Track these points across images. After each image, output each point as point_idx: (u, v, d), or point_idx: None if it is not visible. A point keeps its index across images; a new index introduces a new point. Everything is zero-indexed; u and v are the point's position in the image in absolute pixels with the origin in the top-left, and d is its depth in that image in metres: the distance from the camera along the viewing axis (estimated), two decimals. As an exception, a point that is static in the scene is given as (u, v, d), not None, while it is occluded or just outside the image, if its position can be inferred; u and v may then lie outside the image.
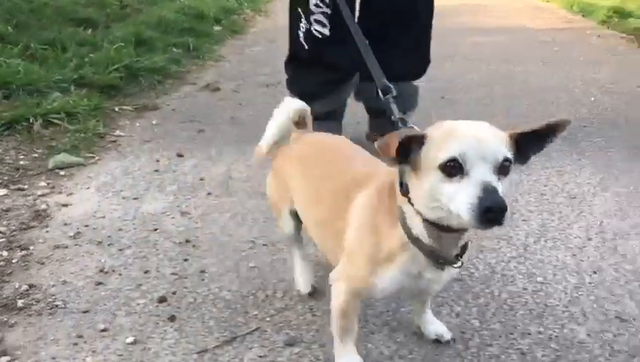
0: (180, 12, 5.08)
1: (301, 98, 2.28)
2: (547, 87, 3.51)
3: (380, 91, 1.44)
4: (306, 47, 2.22)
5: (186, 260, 1.62)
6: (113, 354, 1.25)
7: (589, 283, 1.56)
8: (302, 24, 2.20)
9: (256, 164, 1.68)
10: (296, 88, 2.35)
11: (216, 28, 5.11)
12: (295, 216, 1.39)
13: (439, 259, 1.05)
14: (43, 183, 2.06)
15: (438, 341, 1.31)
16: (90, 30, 4.02)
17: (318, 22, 2.17)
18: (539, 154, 1.04)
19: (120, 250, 1.66)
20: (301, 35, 2.22)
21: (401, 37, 2.26)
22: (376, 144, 0.97)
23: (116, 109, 2.88)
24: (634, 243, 1.75)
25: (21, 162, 2.22)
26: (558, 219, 1.91)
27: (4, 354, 1.23)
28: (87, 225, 1.79)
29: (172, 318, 1.37)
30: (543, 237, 1.79)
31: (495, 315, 1.42)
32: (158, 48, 3.95)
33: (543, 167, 2.31)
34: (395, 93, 1.42)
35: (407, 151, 0.98)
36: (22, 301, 1.41)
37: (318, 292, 1.45)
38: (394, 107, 1.36)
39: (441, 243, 1.04)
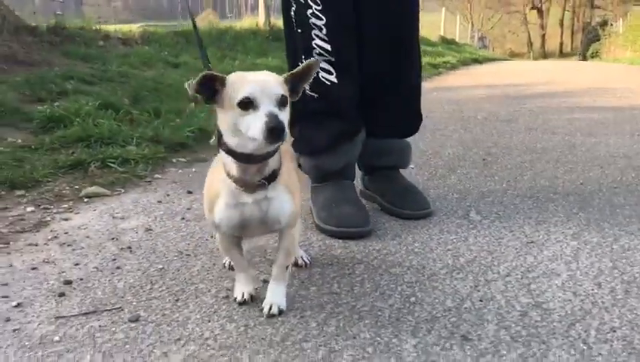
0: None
1: (312, 155, 2.24)
2: (610, 155, 3.29)
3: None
4: (316, 96, 2.14)
5: (114, 259, 1.87)
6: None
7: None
8: None
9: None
10: (307, 146, 2.21)
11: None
12: None
13: (247, 185, 1.38)
14: (65, 205, 2.48)
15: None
16: (195, 105, 4.64)
17: (323, 70, 2.12)
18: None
19: (74, 250, 1.97)
20: (307, 87, 2.02)
21: (389, 99, 2.27)
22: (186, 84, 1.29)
23: (173, 160, 3.31)
24: (542, 281, 1.64)
25: (64, 191, 2.67)
26: (491, 257, 1.84)
27: None
28: (67, 232, 2.13)
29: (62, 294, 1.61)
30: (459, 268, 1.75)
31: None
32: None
33: (527, 217, 2.23)
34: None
35: (214, 92, 1.31)
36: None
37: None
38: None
39: (248, 173, 1.37)
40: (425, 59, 10.92)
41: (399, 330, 1.40)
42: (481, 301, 1.55)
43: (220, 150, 1.38)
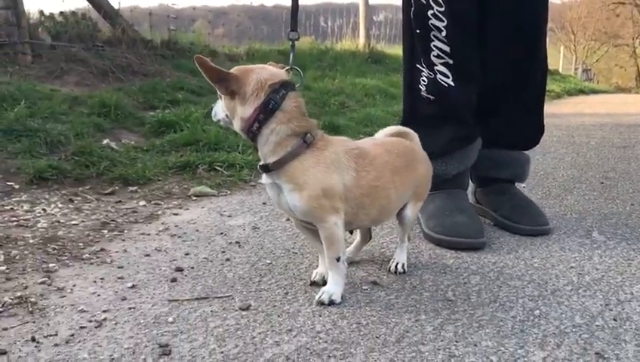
0: (387, 112, 5.57)
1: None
2: None
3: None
4: (432, 98, 2.07)
5: (223, 252, 1.87)
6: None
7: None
8: (423, 78, 2.06)
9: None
10: None
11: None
12: None
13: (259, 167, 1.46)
14: (175, 202, 2.54)
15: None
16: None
17: (440, 72, 2.04)
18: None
19: (184, 241, 1.99)
20: (423, 88, 2.07)
21: (511, 109, 2.18)
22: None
23: (276, 168, 3.33)
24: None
25: (173, 189, 2.75)
26: (621, 277, 1.69)
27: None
28: (177, 226, 2.17)
29: (174, 280, 1.62)
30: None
31: (454, 326, 1.36)
32: (348, 133, 4.43)
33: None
34: (295, 39, 1.65)
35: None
36: (89, 254, 1.82)
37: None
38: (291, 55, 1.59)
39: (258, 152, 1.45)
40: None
41: (525, 342, 1.29)
42: (615, 320, 1.41)
43: None
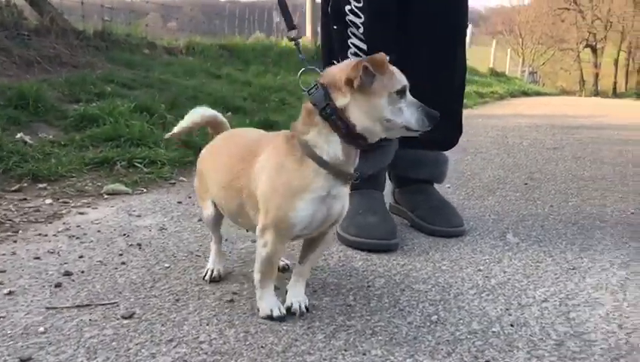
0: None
1: None
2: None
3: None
4: None
5: (121, 254, 1.77)
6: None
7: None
8: None
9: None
10: None
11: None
12: (215, 204, 1.54)
13: (344, 175, 1.30)
14: (85, 200, 2.41)
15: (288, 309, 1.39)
16: (230, 113, 4.59)
17: None
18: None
19: (82, 243, 1.88)
20: None
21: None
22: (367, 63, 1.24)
23: (201, 166, 3.22)
24: (584, 309, 1.45)
25: (86, 187, 2.61)
26: (527, 281, 1.66)
27: None
28: (79, 226, 2.05)
29: (58, 285, 1.51)
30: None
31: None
32: (280, 128, 4.35)
33: (570, 243, 2.04)
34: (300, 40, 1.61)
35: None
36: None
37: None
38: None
39: (348, 159, 1.30)
40: (472, 88, 10.73)
41: (416, 350, 1.25)
42: (512, 326, 1.38)
43: (314, 136, 1.28)
